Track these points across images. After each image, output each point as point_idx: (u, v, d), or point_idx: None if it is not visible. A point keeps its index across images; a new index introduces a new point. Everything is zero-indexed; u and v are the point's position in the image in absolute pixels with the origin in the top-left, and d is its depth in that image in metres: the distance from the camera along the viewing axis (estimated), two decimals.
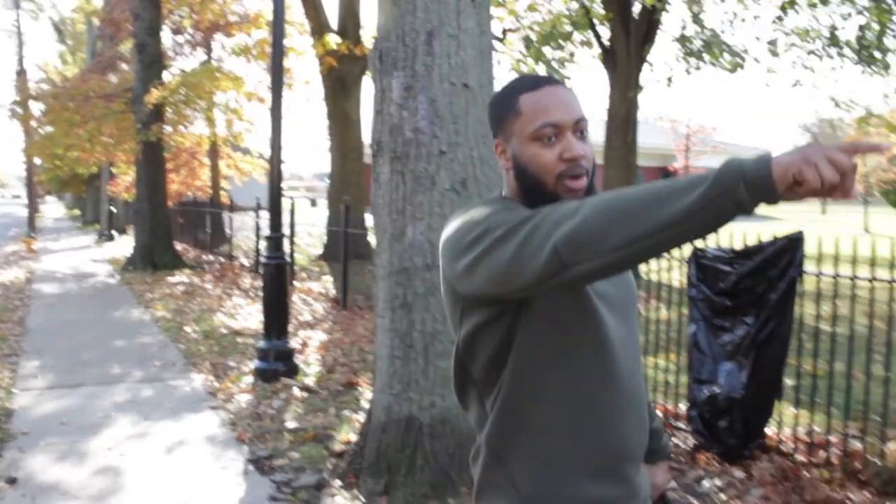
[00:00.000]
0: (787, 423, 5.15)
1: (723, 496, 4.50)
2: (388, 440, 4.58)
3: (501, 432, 1.69)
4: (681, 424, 5.40)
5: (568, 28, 14.82)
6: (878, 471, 4.41)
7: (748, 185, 1.23)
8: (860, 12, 11.26)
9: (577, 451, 1.65)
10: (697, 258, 5.15)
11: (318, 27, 16.41)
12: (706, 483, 4.69)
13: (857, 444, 4.73)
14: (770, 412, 4.92)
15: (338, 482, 4.76)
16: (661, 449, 2.07)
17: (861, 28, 11.60)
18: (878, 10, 10.59)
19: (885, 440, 4.57)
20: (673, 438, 5.35)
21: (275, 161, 7.51)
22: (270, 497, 4.67)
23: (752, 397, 4.78)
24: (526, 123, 1.66)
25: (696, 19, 11.23)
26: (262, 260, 8.06)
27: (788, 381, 5.21)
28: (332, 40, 13.93)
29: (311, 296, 12.61)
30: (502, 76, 14.93)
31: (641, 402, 1.76)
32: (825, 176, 1.20)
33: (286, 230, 13.34)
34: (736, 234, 4.93)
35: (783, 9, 11.12)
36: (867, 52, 11.70)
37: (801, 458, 4.83)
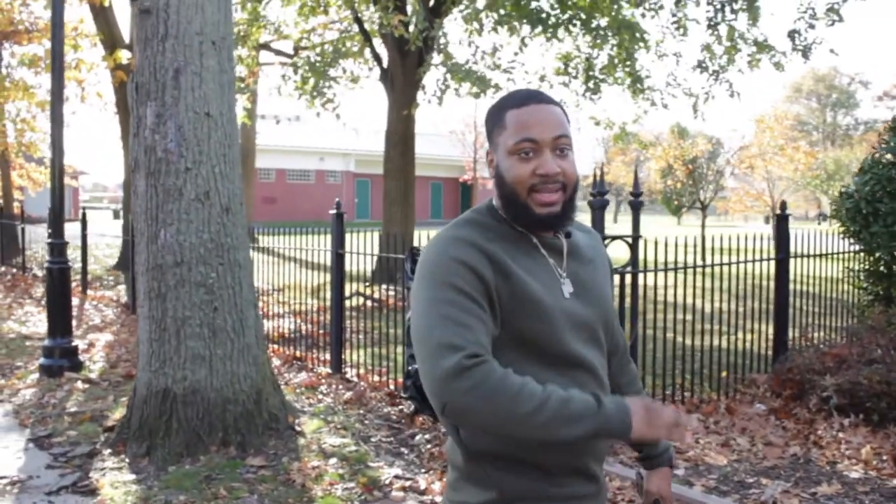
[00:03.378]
0: None
1: (429, 446, 5.64)
2: (148, 410, 5.46)
3: (478, 437, 1.77)
4: (404, 395, 6.55)
5: (351, 46, 15.87)
6: None
7: (613, 437, 1.65)
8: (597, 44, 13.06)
9: (550, 453, 1.74)
10: (413, 256, 6.28)
11: (111, 41, 16.70)
12: (418, 437, 5.83)
13: None
14: None
15: (108, 450, 5.57)
16: (660, 454, 2.10)
17: (587, 59, 13.44)
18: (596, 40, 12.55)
19: None
20: (395, 407, 6.50)
21: (56, 169, 8.07)
22: (48, 465, 5.41)
23: None
24: (508, 137, 1.78)
25: (446, 53, 12.59)
26: (46, 264, 8.60)
27: None
28: (124, 55, 14.33)
29: (104, 302, 13.09)
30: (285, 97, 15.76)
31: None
32: (667, 437, 1.67)
33: (79, 240, 13.79)
34: None
35: (523, 42, 12.74)
36: (594, 81, 13.53)
37: None
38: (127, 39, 17.37)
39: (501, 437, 1.71)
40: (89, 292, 14.21)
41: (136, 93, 5.46)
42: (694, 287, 6.46)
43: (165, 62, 5.36)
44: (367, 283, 12.59)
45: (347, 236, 7.74)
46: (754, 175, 25.54)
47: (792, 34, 13.56)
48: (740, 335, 7.72)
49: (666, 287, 6.86)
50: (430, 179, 49.23)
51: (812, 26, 13.48)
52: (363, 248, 7.67)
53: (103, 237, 26.88)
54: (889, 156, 7.00)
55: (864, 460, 4.92)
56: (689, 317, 7.81)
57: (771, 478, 4.77)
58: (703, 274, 7.50)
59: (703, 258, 6.75)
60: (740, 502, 4.41)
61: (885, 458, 4.92)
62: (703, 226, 21.08)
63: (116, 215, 53.05)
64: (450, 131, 41.40)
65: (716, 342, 7.12)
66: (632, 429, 1.60)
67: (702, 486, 4.69)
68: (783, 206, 6.79)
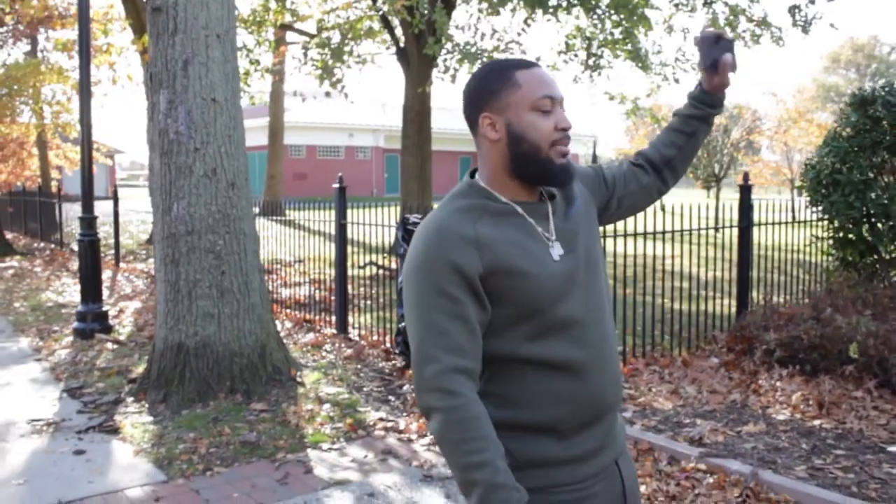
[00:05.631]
0: None
1: (414, 395, 6.32)
2: (165, 362, 6.20)
3: (490, 402, 1.82)
4: (396, 351, 7.24)
5: (371, 25, 16.46)
6: None
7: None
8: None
9: (560, 417, 1.82)
10: (405, 224, 6.96)
11: (139, 25, 17.39)
12: (406, 387, 6.52)
13: None
14: None
15: (131, 399, 6.31)
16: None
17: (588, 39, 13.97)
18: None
19: None
20: (389, 362, 7.20)
21: (85, 147, 8.82)
22: (78, 411, 6.17)
23: None
24: (526, 94, 1.83)
25: (447, 36, 13.13)
26: (77, 237, 9.37)
27: None
28: None
29: (135, 273, 13.94)
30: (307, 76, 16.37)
31: (613, 359, 1.91)
32: None
33: (111, 217, 14.60)
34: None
35: (525, 22, 13.30)
36: (595, 58, 14.06)
37: None
38: None
39: (511, 409, 1.82)
40: (122, 265, 15.06)
41: (151, 82, 6.16)
42: (674, 255, 7.08)
43: (175, 54, 6.05)
44: (386, 255, 13.28)
45: (374, 210, 8.42)
46: (774, 148, 25.83)
47: (792, 10, 13.95)
48: (715, 298, 8.33)
49: (645, 254, 7.46)
50: (459, 154, 49.75)
51: (812, 1, 13.87)
52: (387, 222, 8.33)
53: (137, 214, 27.84)
54: (848, 129, 7.52)
55: (792, 405, 5.52)
56: (669, 283, 8.42)
57: (707, 420, 5.40)
58: (689, 241, 8.11)
59: (682, 225, 7.34)
60: (672, 438, 5.03)
61: (811, 403, 5.52)
62: (717, 198, 21.51)
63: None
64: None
65: (697, 306, 7.73)
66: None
67: (642, 425, 5.33)
68: (745, 177, 7.36)
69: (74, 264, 15.58)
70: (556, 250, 1.86)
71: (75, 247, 17.85)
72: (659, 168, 2.20)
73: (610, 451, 1.92)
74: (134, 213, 27.80)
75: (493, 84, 1.86)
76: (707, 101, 2.13)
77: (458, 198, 1.89)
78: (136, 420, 5.81)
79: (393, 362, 7.19)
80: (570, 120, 1.87)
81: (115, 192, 14.64)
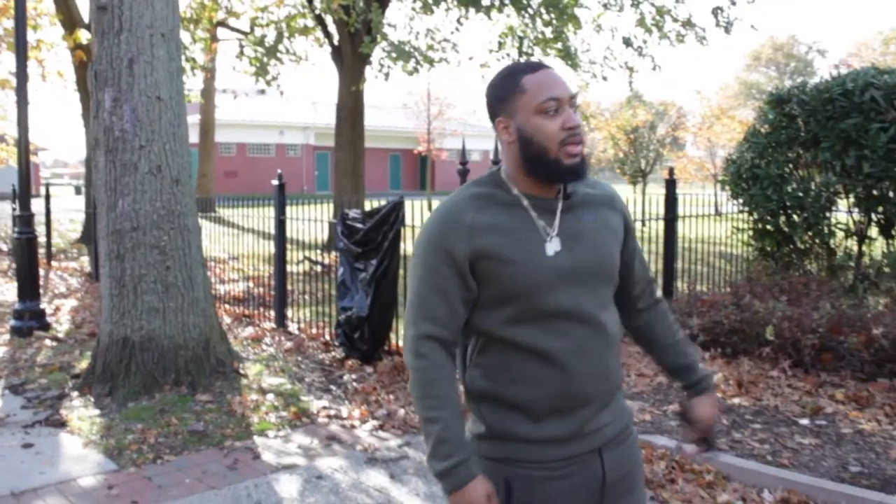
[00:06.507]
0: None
1: (354, 384, 6.54)
2: (110, 356, 6.30)
3: (474, 377, 2.02)
4: (336, 343, 7.43)
5: (306, 23, 16.55)
6: None
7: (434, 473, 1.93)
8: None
9: (535, 399, 1.94)
10: (343, 219, 7.16)
11: (70, 21, 17.20)
12: (346, 377, 6.72)
13: None
14: (390, 326, 7.02)
15: (75, 393, 6.39)
16: (698, 382, 2.22)
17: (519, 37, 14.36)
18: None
19: None
20: (329, 354, 7.39)
21: (22, 145, 8.83)
22: (22, 406, 6.22)
23: (375, 315, 6.86)
24: (531, 99, 1.90)
25: (382, 35, 13.37)
26: (14, 235, 9.32)
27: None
28: (83, 35, 14.84)
29: (68, 272, 13.84)
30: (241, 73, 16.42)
31: (601, 355, 1.98)
32: None
33: (43, 216, 14.45)
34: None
35: (458, 21, 13.64)
36: (527, 56, 14.44)
37: None
38: (86, 19, 17.90)
39: (491, 381, 1.98)
40: (54, 263, 14.92)
41: (96, 80, 6.25)
42: None
43: (121, 53, 6.15)
44: (321, 250, 13.42)
45: (307, 207, 8.58)
46: (698, 144, 26.58)
47: (715, 11, 14.50)
48: None
49: None
50: (389, 151, 49.92)
51: (734, 3, 14.44)
52: (322, 218, 8.50)
53: (66, 212, 27.39)
54: (766, 126, 7.95)
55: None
56: None
57: (635, 401, 5.72)
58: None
59: None
60: None
61: (731, 382, 5.89)
62: (643, 192, 22.11)
63: (78, 191, 53.07)
64: (403, 104, 42.04)
65: None
66: (437, 477, 1.93)
67: None
68: (671, 172, 7.74)
69: (3, 263, 15.39)
70: (553, 245, 1.94)
71: (3, 246, 17.63)
72: (631, 314, 2.25)
73: (588, 441, 1.98)
74: (62, 212, 27.34)
75: (502, 90, 1.96)
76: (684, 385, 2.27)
77: (475, 185, 2.02)
78: (82, 413, 5.90)
79: (333, 354, 7.38)
80: (577, 118, 1.93)
81: (48, 190, 14.49)
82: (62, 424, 5.71)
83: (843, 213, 7.99)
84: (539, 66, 1.95)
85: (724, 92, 23.80)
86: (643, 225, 8.27)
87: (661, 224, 7.85)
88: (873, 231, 7.76)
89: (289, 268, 10.12)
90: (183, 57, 15.76)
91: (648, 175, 23.23)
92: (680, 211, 7.86)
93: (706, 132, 23.69)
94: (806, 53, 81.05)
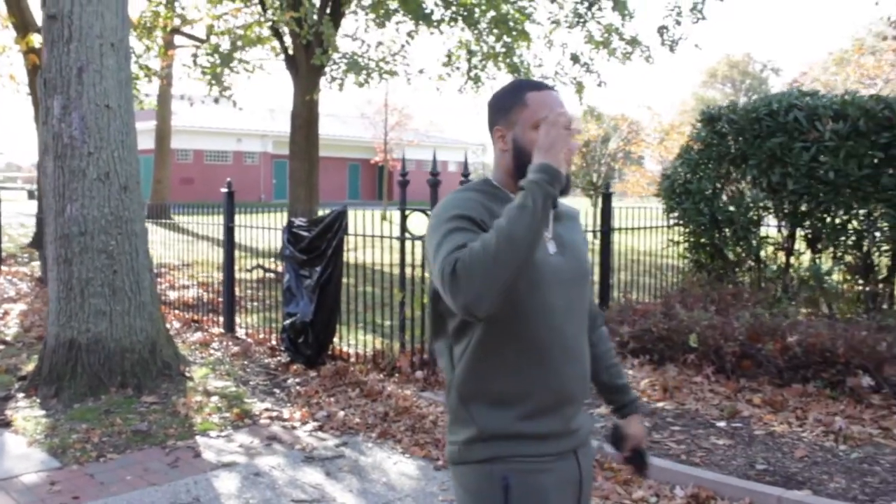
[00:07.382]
0: (348, 341, 7.53)
1: (297, 387, 6.73)
2: (57, 358, 6.43)
3: (465, 378, 2.03)
4: (282, 348, 7.62)
5: (261, 33, 16.70)
6: (389, 361, 6.84)
7: (555, 182, 1.82)
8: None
9: (526, 396, 1.99)
10: (290, 227, 7.35)
11: (23, 24, 17.12)
12: (290, 381, 6.91)
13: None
14: (334, 331, 7.23)
15: (21, 395, 6.50)
16: (630, 403, 2.38)
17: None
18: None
19: (393, 343, 7.03)
20: (274, 358, 7.58)
21: None
22: None
23: (319, 321, 7.06)
24: (531, 114, 2.01)
25: (334, 47, 13.58)
26: None
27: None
28: (36, 39, 14.81)
29: (18, 277, 13.83)
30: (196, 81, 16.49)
31: (584, 357, 2.09)
32: (564, 137, 1.87)
33: None
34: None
35: (410, 35, 13.93)
36: (475, 71, 14.79)
37: (353, 360, 7.21)
38: (39, 23, 17.84)
39: (480, 378, 2.00)
40: (3, 268, 14.89)
41: (45, 87, 6.39)
42: None
43: (70, 61, 6.31)
44: (273, 259, 13.55)
45: (262, 215, 8.75)
46: (653, 159, 27.09)
47: (661, 30, 14.92)
48: None
49: None
50: (348, 161, 49.98)
51: (678, 23, 14.86)
52: (274, 226, 8.65)
53: (17, 217, 27.14)
54: (698, 143, 8.30)
55: (641, 390, 6.17)
56: None
57: None
58: None
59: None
60: None
61: (657, 388, 6.18)
62: (594, 205, 22.47)
63: (31, 195, 52.32)
64: (361, 114, 42.18)
65: None
66: (551, 167, 1.82)
67: None
68: (607, 186, 8.05)
69: None
70: (551, 247, 2.03)
71: None
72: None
73: (571, 440, 2.07)
74: (13, 216, 27.07)
75: (506, 101, 2.08)
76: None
77: (470, 189, 2.08)
78: (27, 414, 6.03)
79: (278, 358, 7.56)
80: (573, 144, 1.99)
81: None
82: (7, 424, 5.84)
83: (773, 227, 8.36)
84: (544, 87, 2.08)
85: (680, 107, 24.32)
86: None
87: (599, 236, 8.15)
88: (802, 245, 8.13)
89: (241, 275, 10.32)
90: (137, 64, 15.97)
91: (600, 188, 23.66)
92: (617, 224, 8.17)
93: (657, 147, 24.23)
94: (761, 71, 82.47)
